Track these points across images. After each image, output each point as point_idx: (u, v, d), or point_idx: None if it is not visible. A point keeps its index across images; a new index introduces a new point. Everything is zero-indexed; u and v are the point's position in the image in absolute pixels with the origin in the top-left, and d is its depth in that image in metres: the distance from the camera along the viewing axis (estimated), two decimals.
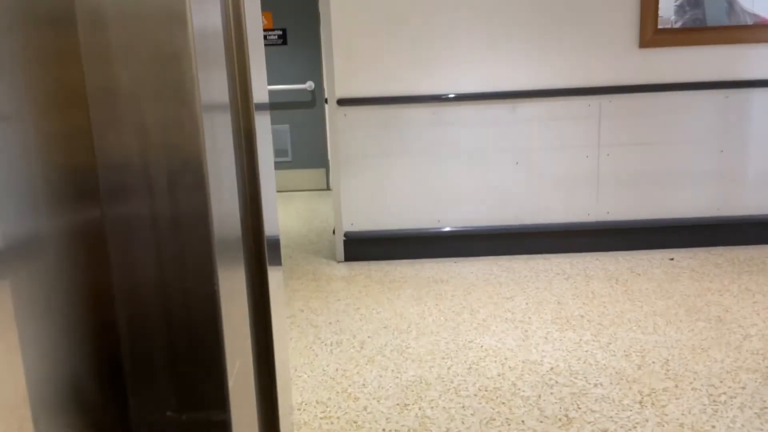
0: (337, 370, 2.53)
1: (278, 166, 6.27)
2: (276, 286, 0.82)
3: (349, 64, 3.68)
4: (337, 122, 3.75)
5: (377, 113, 3.73)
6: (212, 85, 0.58)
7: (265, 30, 6.09)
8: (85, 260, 0.53)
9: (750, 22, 3.90)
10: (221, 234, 0.58)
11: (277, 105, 6.12)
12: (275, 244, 0.82)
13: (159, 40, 0.49)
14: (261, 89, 0.74)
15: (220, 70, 0.60)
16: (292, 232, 4.72)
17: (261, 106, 0.74)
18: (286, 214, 5.33)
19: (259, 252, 0.74)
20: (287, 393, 0.89)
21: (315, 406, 2.27)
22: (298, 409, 2.25)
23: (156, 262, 0.56)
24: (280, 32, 6.09)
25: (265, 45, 6.08)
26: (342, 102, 3.70)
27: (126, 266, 0.56)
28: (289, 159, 6.25)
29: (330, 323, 2.99)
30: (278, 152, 6.23)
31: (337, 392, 2.36)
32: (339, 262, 3.90)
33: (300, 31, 6.07)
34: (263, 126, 0.75)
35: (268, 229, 0.77)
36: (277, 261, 0.84)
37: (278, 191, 6.28)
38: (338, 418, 2.19)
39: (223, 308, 0.57)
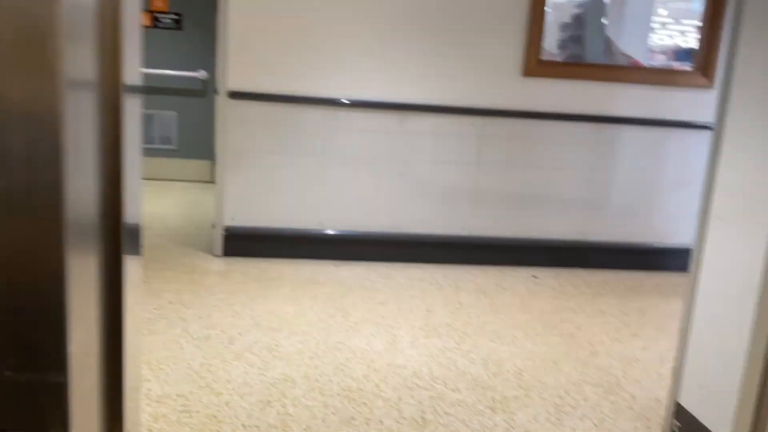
0: (202, 364, 2.49)
1: (162, 153, 6.07)
2: (132, 271, 0.81)
3: (244, 57, 3.65)
4: (227, 115, 3.70)
5: (269, 110, 3.71)
6: (79, 61, 0.58)
7: (159, 12, 5.89)
8: None
9: (625, 62, 4.24)
10: (75, 208, 0.58)
11: (165, 90, 5.92)
12: (136, 230, 0.82)
13: (28, 10, 0.49)
14: (133, 71, 0.74)
15: (89, 46, 0.60)
16: (170, 222, 4.59)
17: (132, 89, 0.74)
18: (165, 203, 5.16)
19: (117, 235, 0.74)
20: (135, 373, 0.89)
21: (175, 399, 2.23)
22: (158, 402, 2.20)
23: (8, 228, 0.55)
24: (176, 16, 5.92)
25: (159, 28, 5.88)
26: (234, 95, 3.66)
27: None
28: (174, 147, 6.06)
29: (200, 317, 2.94)
30: (163, 139, 6.03)
31: (200, 386, 2.33)
32: (217, 256, 3.83)
33: (196, 17, 5.92)
34: (133, 108, 0.75)
35: (130, 214, 0.77)
36: (135, 249, 0.83)
37: (160, 180, 6.08)
38: (198, 412, 2.16)
39: (70, 281, 0.58)
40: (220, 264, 3.72)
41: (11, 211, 0.54)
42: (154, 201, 5.20)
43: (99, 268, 0.69)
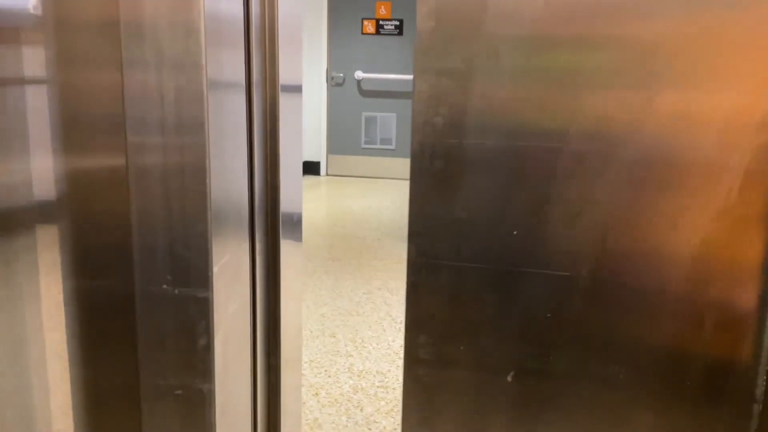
0: (401, 346, 2.66)
1: (382, 153, 6.47)
2: (289, 254, 0.92)
3: None
4: None
5: None
6: (223, 62, 0.71)
7: (382, 20, 6.28)
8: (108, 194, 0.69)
9: None
10: (220, 189, 0.71)
11: (386, 93, 6.30)
12: (291, 218, 0.93)
13: (179, 18, 0.64)
14: (291, 71, 0.87)
15: (234, 49, 0.74)
16: (384, 216, 4.89)
17: (289, 88, 0.87)
18: (383, 200, 5.50)
19: (274, 220, 0.86)
20: (294, 347, 0.99)
21: (374, 375, 2.41)
22: (358, 376, 2.41)
23: (164, 198, 0.69)
24: (397, 22, 6.26)
25: (382, 34, 6.27)
26: None
27: (142, 198, 0.70)
28: (392, 147, 6.43)
29: (403, 303, 3.10)
30: (383, 140, 6.43)
31: (398, 366, 2.49)
32: None
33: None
34: (291, 106, 0.87)
35: (288, 203, 0.89)
36: (293, 235, 0.94)
37: (381, 178, 6.48)
38: (394, 389, 2.32)
39: (214, 242, 0.71)
40: None
41: (168, 188, 0.69)
42: (374, 197, 5.57)
43: (260, 250, 0.82)
